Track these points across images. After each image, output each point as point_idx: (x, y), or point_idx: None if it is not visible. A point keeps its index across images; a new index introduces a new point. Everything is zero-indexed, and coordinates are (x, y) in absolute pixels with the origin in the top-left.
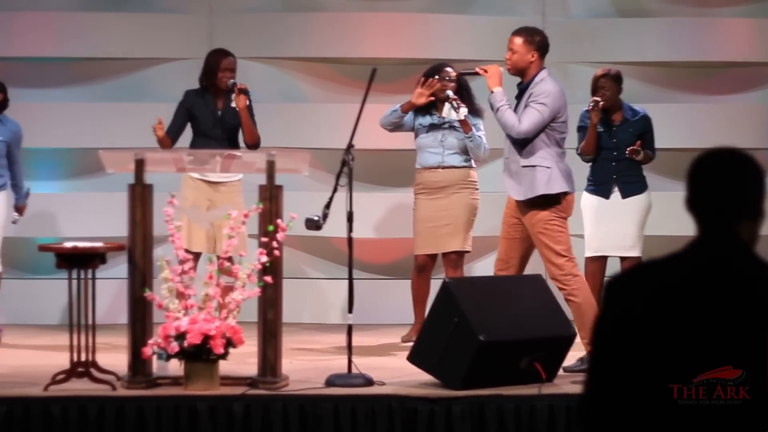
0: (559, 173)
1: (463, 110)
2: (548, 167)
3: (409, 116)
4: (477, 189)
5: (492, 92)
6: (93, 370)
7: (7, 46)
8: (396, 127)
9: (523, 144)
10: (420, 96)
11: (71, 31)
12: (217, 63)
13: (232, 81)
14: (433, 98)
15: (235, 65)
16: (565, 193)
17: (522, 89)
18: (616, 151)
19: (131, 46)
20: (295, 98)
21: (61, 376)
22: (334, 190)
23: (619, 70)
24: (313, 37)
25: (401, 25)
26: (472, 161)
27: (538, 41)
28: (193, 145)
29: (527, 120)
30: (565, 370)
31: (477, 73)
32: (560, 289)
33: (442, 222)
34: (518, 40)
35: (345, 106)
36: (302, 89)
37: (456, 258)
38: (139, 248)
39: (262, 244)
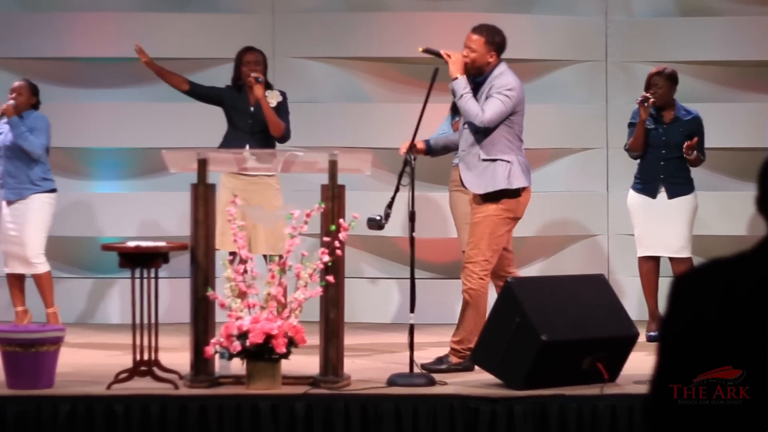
0: (519, 167)
1: None
2: (509, 161)
3: (446, 123)
4: None
5: (455, 78)
6: (156, 369)
7: (69, 46)
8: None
9: (484, 136)
10: None
11: (134, 32)
12: (240, 58)
13: (253, 74)
14: None
15: (260, 59)
16: (523, 188)
17: (479, 83)
18: (665, 149)
19: (193, 46)
20: (357, 98)
21: (124, 375)
22: (396, 190)
23: (674, 70)
24: (375, 37)
25: (464, 25)
26: None
27: (498, 42)
28: (227, 138)
29: (491, 109)
30: (423, 367)
31: (440, 55)
32: (463, 282)
33: None
34: (479, 39)
35: (407, 106)
36: (364, 89)
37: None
38: (201, 247)
39: (324, 244)
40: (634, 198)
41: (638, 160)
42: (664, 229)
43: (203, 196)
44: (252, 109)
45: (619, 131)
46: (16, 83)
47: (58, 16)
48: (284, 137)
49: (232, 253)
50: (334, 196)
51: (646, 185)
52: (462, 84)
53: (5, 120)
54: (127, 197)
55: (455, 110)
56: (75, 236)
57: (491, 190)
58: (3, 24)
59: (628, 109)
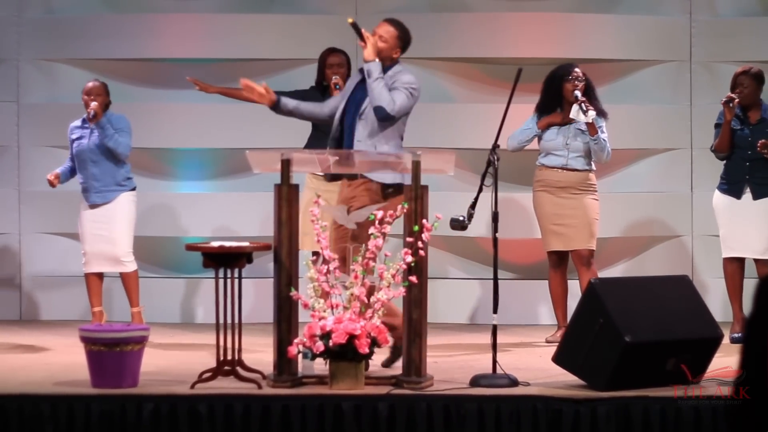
0: None
1: (592, 113)
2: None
3: (532, 120)
4: (596, 191)
5: (372, 61)
6: (239, 369)
7: (153, 47)
8: (527, 144)
9: (382, 129)
10: (561, 117)
11: (217, 33)
12: (324, 60)
13: (334, 77)
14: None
15: (343, 62)
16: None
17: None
18: (751, 150)
19: (276, 48)
20: (440, 98)
21: (208, 375)
22: (480, 191)
23: (760, 69)
24: (458, 38)
25: (547, 25)
26: (593, 164)
27: (406, 41)
28: (311, 141)
29: (400, 101)
30: None
31: (362, 35)
32: None
33: (566, 221)
34: (392, 31)
35: (490, 107)
36: (448, 89)
37: (587, 255)
38: (285, 248)
39: (407, 244)
40: (719, 198)
41: (724, 161)
42: (748, 230)
43: (287, 196)
44: None
45: (703, 131)
46: (90, 84)
47: (143, 17)
48: None
49: (315, 254)
50: (417, 197)
51: (731, 186)
52: (379, 68)
53: (87, 124)
54: (210, 197)
55: (541, 109)
56: (159, 236)
57: (399, 181)
58: (88, 25)
59: (712, 110)
